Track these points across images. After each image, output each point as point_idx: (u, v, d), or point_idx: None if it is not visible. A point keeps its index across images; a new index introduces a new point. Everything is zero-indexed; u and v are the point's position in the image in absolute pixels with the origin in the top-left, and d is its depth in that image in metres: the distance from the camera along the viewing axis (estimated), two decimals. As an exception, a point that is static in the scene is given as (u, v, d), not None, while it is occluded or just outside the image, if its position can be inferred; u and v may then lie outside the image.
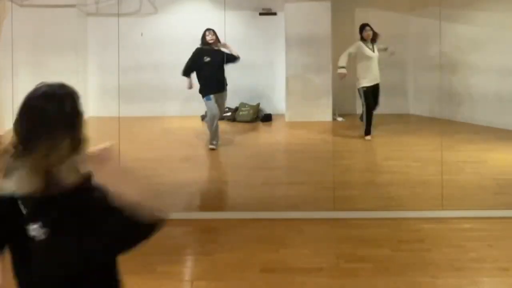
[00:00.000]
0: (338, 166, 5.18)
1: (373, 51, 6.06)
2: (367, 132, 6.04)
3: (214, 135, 5.85)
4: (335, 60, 6.62)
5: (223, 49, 5.96)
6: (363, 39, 6.04)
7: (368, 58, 6.04)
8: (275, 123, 7.28)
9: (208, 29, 5.97)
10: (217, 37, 5.96)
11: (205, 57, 5.89)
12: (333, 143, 6.14)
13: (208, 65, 5.87)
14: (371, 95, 6.05)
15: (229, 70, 6.06)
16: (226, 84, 6.04)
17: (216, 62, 5.89)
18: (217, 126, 5.90)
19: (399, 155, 5.67)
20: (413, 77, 7.22)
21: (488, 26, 6.81)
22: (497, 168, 5.15)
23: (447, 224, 3.76)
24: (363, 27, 6.07)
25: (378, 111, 6.23)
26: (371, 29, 6.04)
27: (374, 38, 6.06)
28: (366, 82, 6.05)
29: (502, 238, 3.51)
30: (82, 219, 1.23)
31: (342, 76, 5.99)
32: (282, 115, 7.22)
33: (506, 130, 6.53)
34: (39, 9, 7.24)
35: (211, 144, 5.84)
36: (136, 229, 1.25)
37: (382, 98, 6.50)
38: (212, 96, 5.85)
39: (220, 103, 6.03)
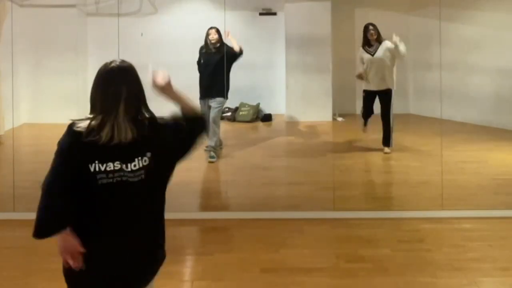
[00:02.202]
0: (338, 166, 5.18)
1: (373, 54, 5.68)
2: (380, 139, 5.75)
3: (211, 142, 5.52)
4: (335, 60, 6.62)
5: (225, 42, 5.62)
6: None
7: (368, 61, 5.73)
8: (275, 123, 7.28)
9: (210, 28, 5.68)
10: (220, 36, 5.63)
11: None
12: (333, 143, 6.15)
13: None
14: (373, 100, 5.79)
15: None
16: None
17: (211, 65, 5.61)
18: (214, 132, 5.51)
19: (399, 155, 5.67)
20: (413, 77, 7.22)
21: (488, 26, 6.81)
22: (497, 168, 5.15)
23: (447, 224, 3.76)
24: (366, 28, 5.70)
25: (378, 110, 6.22)
26: (374, 29, 5.65)
27: (378, 39, 5.66)
28: (365, 86, 5.83)
29: (502, 238, 3.51)
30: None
31: (359, 76, 5.82)
32: (282, 115, 7.22)
33: (506, 130, 6.53)
34: (39, 9, 7.24)
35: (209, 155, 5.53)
36: (195, 120, 1.86)
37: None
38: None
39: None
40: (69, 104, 7.07)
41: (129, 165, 1.72)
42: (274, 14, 7.57)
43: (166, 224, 1.89)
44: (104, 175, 1.69)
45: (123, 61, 1.82)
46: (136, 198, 1.76)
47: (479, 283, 2.90)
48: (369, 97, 5.82)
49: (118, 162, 1.70)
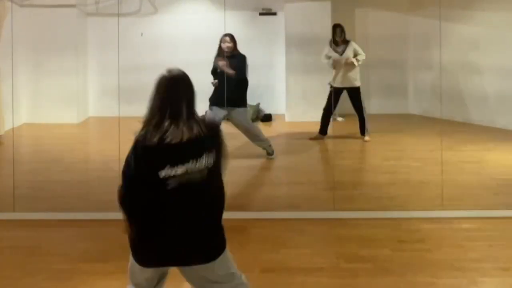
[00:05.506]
0: (338, 166, 5.18)
1: (341, 53, 6.12)
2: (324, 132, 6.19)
3: None
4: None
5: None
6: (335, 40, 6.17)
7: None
8: (275, 123, 7.28)
9: (224, 35, 5.33)
10: (234, 44, 5.31)
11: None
12: (333, 143, 6.15)
13: (220, 75, 5.32)
14: (337, 97, 6.12)
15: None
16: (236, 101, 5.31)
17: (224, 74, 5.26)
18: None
19: (399, 155, 5.67)
20: (413, 77, 7.22)
21: (488, 26, 6.81)
22: (497, 168, 5.15)
23: (447, 224, 3.76)
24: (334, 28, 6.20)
25: (378, 111, 6.23)
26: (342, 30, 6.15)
27: (345, 40, 6.16)
28: (332, 82, 6.21)
29: (502, 238, 3.51)
30: None
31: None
32: (282, 115, 7.22)
33: (506, 130, 6.53)
34: (39, 9, 7.25)
35: None
36: None
37: (382, 98, 6.50)
38: (214, 107, 5.34)
39: (235, 121, 5.41)
40: (69, 104, 7.08)
41: (196, 162, 1.96)
42: (274, 14, 7.57)
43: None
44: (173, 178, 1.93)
45: (179, 70, 2.11)
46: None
47: (479, 283, 2.90)
48: (334, 92, 6.12)
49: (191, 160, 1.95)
